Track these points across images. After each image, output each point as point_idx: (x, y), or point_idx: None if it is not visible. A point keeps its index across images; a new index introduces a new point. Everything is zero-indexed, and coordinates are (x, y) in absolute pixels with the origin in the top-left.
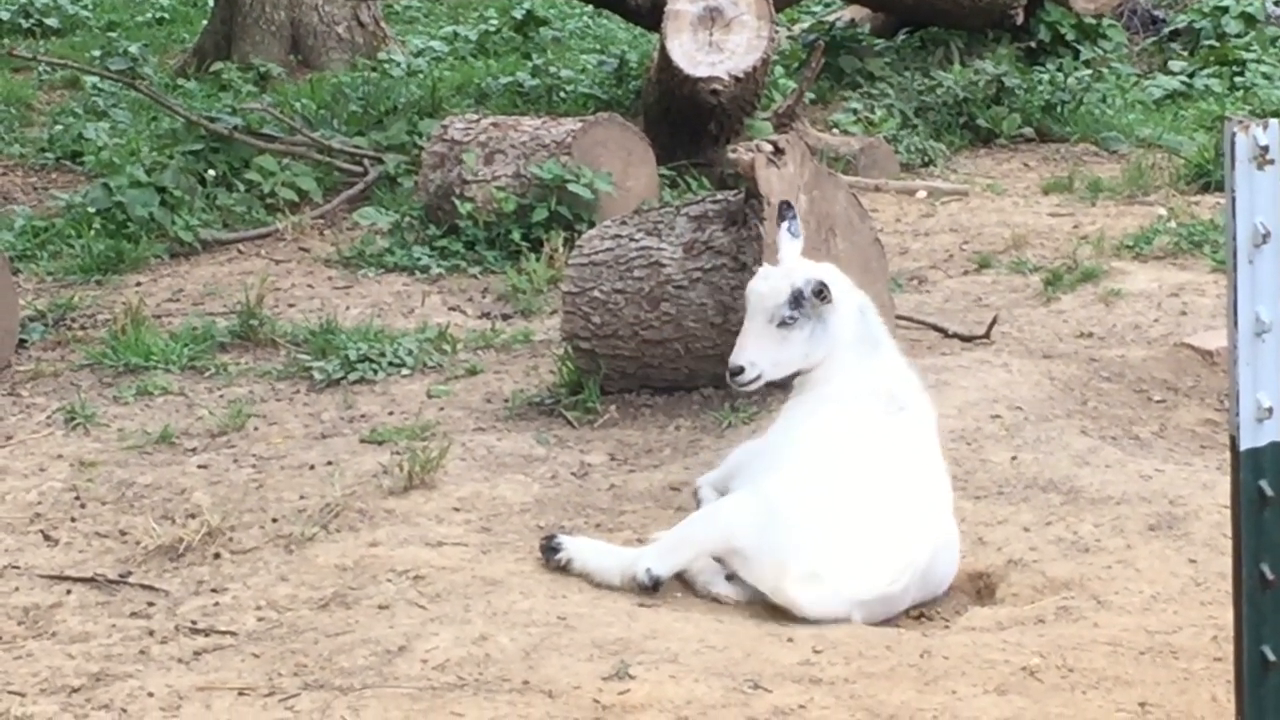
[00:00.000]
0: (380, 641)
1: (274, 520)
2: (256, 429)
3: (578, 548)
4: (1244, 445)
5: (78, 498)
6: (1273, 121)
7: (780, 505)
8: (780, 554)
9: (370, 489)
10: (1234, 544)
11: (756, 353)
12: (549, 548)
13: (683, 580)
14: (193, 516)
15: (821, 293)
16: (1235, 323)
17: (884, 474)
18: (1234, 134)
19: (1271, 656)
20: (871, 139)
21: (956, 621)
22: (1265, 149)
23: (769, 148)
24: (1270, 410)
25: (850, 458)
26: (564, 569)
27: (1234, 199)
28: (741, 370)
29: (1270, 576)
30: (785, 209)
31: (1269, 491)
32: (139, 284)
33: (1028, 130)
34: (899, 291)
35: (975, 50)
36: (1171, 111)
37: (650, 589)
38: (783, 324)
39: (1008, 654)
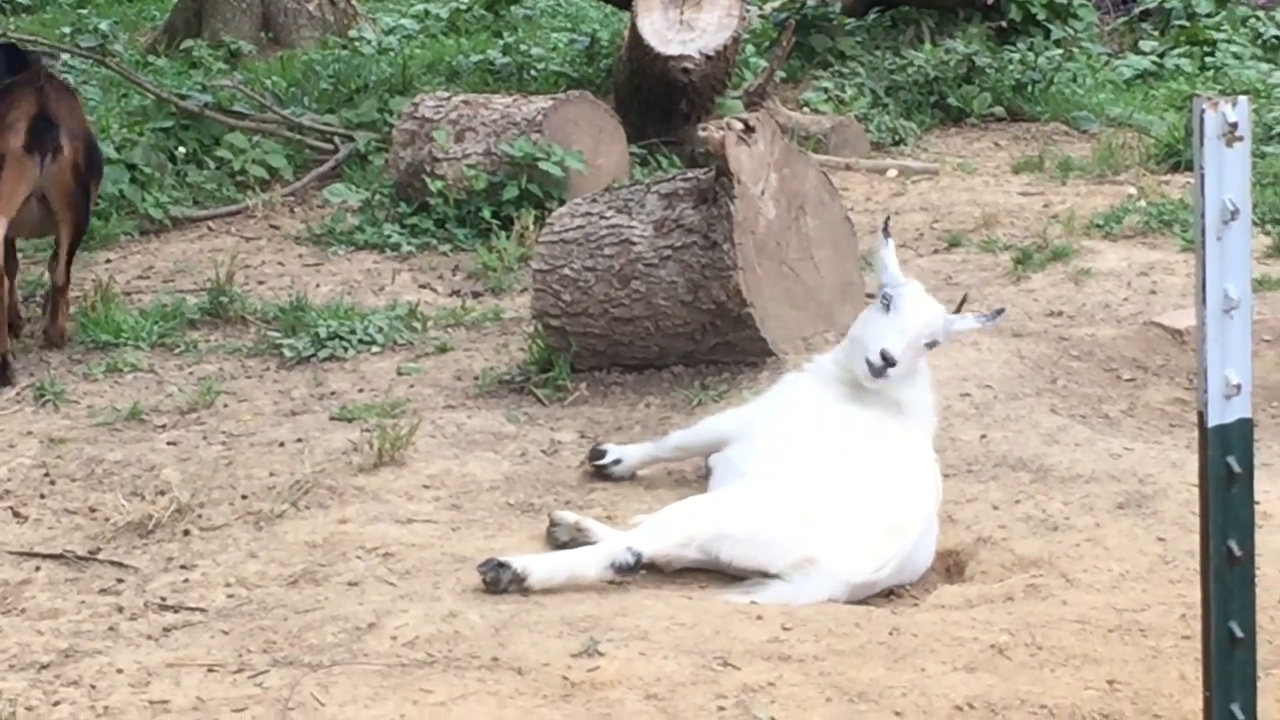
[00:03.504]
0: (350, 618)
1: (243, 497)
2: (226, 406)
3: (528, 560)
4: (1212, 422)
5: (47, 474)
6: (1241, 98)
7: (778, 491)
8: (778, 538)
9: (340, 466)
10: (1202, 521)
11: (905, 358)
12: (498, 565)
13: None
14: (162, 493)
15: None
16: (1204, 300)
17: (879, 466)
18: (1203, 111)
19: (1239, 633)
20: (842, 118)
21: (926, 599)
22: (1234, 126)
23: (739, 126)
24: (1238, 387)
25: (845, 449)
26: (523, 588)
27: (1203, 176)
28: (895, 364)
29: (1238, 553)
30: (886, 226)
31: (1237, 468)
32: (109, 261)
33: (998, 109)
34: (869, 270)
35: (946, 29)
36: (1142, 91)
37: (630, 567)
38: (929, 345)
39: (977, 632)
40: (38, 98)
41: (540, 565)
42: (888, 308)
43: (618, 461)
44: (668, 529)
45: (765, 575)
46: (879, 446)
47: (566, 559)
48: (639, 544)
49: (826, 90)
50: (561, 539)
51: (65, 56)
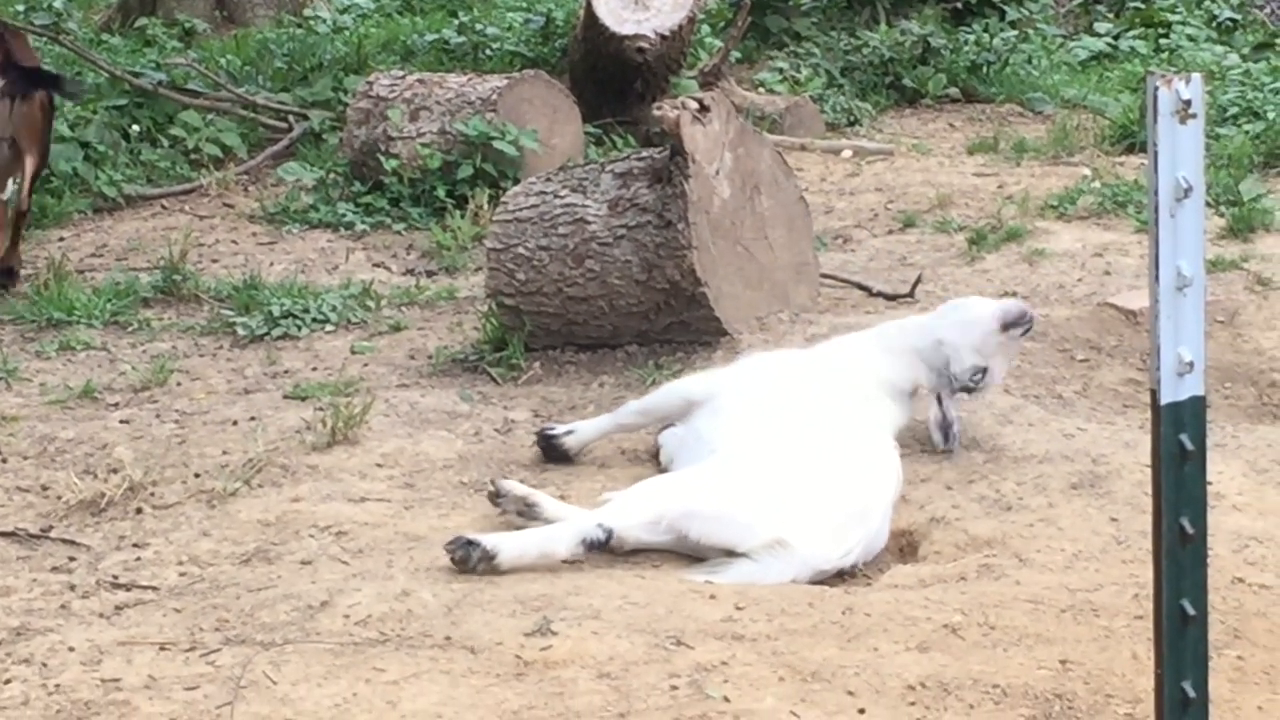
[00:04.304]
0: (302, 597)
1: (196, 475)
2: (179, 384)
3: (498, 538)
4: (1165, 400)
5: None
6: (1195, 75)
7: (748, 471)
8: (747, 519)
9: (293, 444)
10: (1154, 498)
11: None
12: (467, 543)
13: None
14: (115, 471)
15: None
16: (1157, 277)
17: (846, 450)
18: (1156, 88)
19: (1191, 611)
20: (797, 98)
21: (879, 579)
22: (1188, 103)
23: (694, 105)
24: (1191, 365)
25: (813, 432)
26: (493, 567)
27: (1156, 153)
28: None
29: (1190, 531)
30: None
31: (1189, 446)
32: (62, 239)
33: (953, 90)
34: (824, 250)
35: (901, 10)
36: (1097, 73)
37: (602, 544)
38: None
39: (930, 611)
40: (2, 45)
41: (510, 543)
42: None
43: (570, 431)
44: (637, 506)
45: (732, 555)
46: (846, 431)
47: (536, 536)
48: (610, 520)
49: (782, 71)
50: (508, 509)
51: None
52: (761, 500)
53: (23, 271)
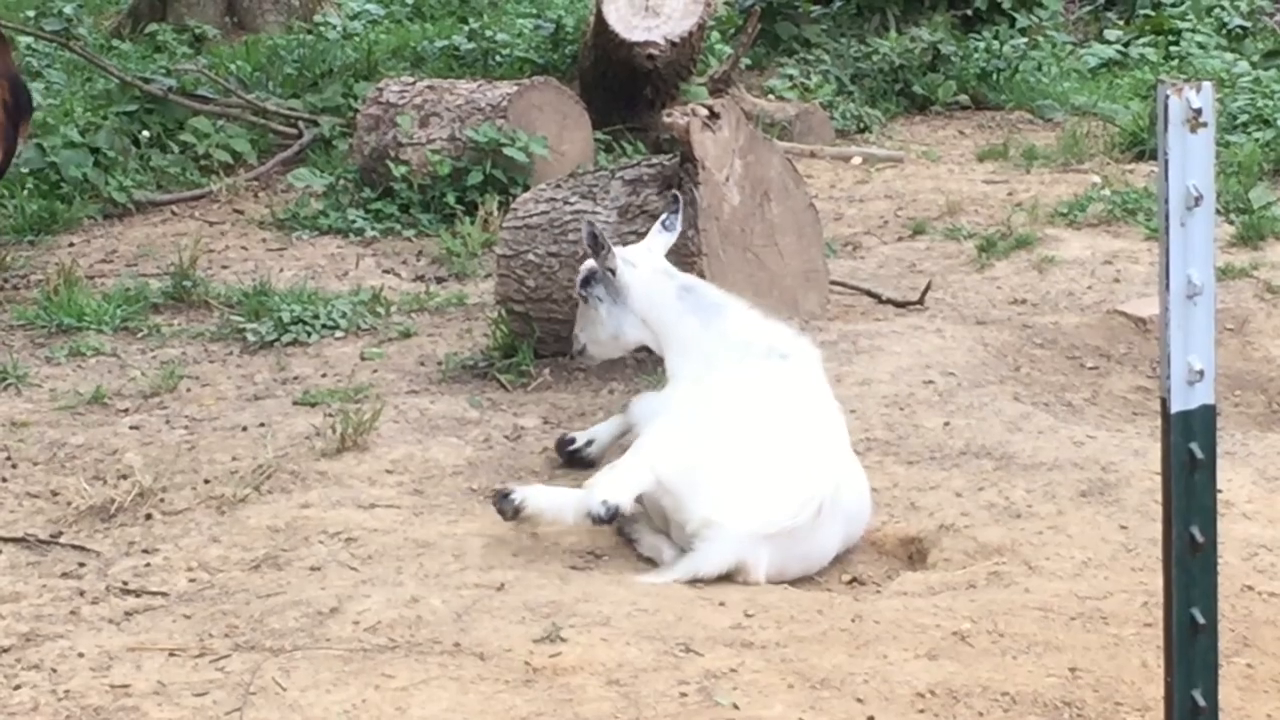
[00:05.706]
0: (312, 603)
1: (206, 481)
2: (189, 390)
3: (528, 492)
4: (1175, 408)
5: (9, 458)
6: (1205, 84)
7: (681, 454)
8: (685, 499)
9: (302, 451)
10: (1164, 506)
11: (577, 328)
12: (502, 495)
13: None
14: (124, 477)
15: (589, 280)
16: (1167, 285)
17: (777, 417)
18: (1167, 96)
19: (1201, 619)
20: (807, 105)
21: (888, 586)
22: (1198, 111)
23: (704, 112)
24: (1201, 373)
25: (742, 405)
26: (517, 514)
27: (1166, 162)
28: (574, 341)
29: (1200, 539)
30: (673, 202)
31: (1199, 454)
32: (72, 244)
33: (963, 97)
34: (833, 257)
35: (911, 17)
36: (1107, 80)
37: (608, 520)
38: (584, 300)
39: (939, 619)
40: None
41: (537, 496)
42: None
43: (590, 442)
44: (627, 478)
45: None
46: (780, 398)
47: (558, 499)
48: (612, 497)
49: (791, 77)
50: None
51: (29, 40)
52: (699, 483)
53: (33, 276)
